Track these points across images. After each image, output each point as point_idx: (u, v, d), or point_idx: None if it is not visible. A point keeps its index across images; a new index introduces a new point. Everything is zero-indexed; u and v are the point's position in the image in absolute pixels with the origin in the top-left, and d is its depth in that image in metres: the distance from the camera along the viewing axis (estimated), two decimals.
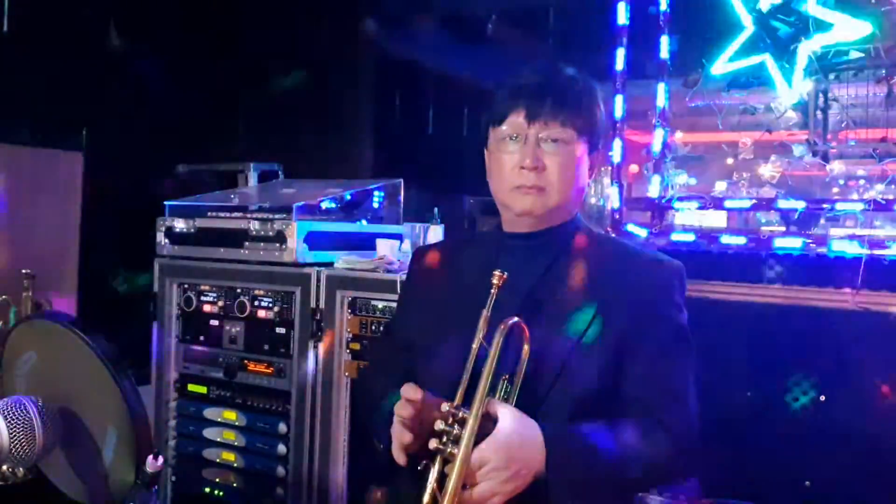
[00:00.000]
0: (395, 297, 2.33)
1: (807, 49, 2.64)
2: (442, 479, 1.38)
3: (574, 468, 1.40)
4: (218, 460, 2.92)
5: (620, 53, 2.91)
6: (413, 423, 1.43)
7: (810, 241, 2.53)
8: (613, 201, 2.93)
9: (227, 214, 2.96)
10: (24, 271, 3.03)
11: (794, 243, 2.53)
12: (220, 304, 2.95)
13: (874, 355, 2.25)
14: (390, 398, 1.49)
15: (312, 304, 2.72)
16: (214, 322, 2.96)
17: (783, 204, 2.68)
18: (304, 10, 4.32)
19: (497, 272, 1.48)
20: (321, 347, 2.70)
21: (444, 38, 4.27)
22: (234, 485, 2.88)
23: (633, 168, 3.16)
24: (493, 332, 1.44)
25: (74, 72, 3.70)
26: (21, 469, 1.55)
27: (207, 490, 2.94)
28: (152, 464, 1.41)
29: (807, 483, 2.29)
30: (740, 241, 2.61)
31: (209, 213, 3.00)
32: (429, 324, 1.65)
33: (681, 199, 2.86)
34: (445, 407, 1.39)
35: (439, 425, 1.38)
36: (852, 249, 2.39)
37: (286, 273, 2.79)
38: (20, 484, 1.59)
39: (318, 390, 2.71)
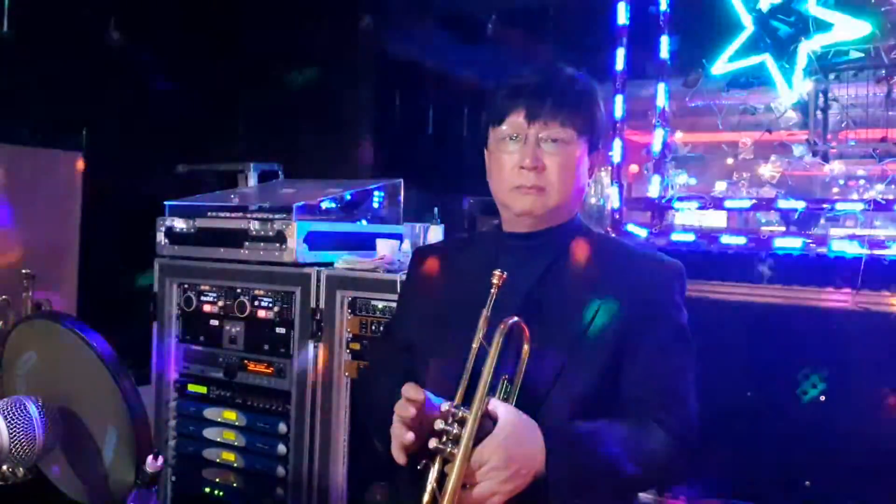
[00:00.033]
0: (395, 297, 2.33)
1: (807, 49, 2.64)
2: (441, 478, 1.38)
3: (574, 468, 1.40)
4: (218, 460, 2.92)
5: (620, 53, 2.91)
6: (414, 422, 1.43)
7: (810, 241, 2.53)
8: (613, 201, 2.93)
9: (227, 214, 2.96)
10: (24, 271, 3.03)
11: (794, 243, 2.53)
12: (220, 304, 2.95)
13: (874, 355, 2.25)
14: (390, 398, 1.49)
15: (312, 304, 2.72)
16: (214, 322, 2.96)
17: (783, 204, 2.68)
18: (304, 9, 4.32)
19: (497, 272, 1.48)
20: (321, 347, 2.70)
21: (444, 38, 4.27)
22: (234, 485, 2.88)
23: (633, 168, 3.16)
24: (492, 331, 1.44)
25: (74, 72, 3.70)
26: (21, 469, 1.55)
27: (207, 490, 2.94)
28: (152, 464, 1.41)
29: (807, 483, 2.29)
30: (740, 241, 2.61)
31: (209, 213, 3.00)
32: (429, 324, 1.65)
33: (681, 199, 2.86)
34: (445, 406, 1.39)
35: (439, 425, 1.38)
36: (852, 249, 2.39)
37: (286, 273, 2.79)
38: (20, 484, 1.59)
39: (318, 390, 2.71)
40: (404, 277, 1.92)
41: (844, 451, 2.24)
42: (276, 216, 2.80)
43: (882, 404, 2.23)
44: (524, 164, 1.55)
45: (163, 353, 3.05)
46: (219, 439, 2.92)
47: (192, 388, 3.01)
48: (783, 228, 2.75)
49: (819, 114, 2.74)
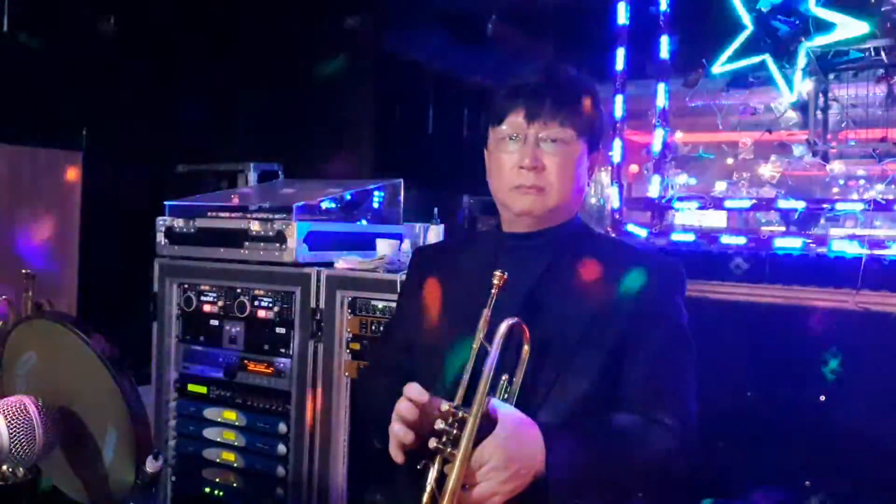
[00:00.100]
0: (395, 297, 2.33)
1: (806, 49, 2.64)
2: (441, 479, 1.38)
3: (574, 468, 1.40)
4: (218, 460, 2.92)
5: (620, 53, 2.92)
6: (414, 423, 1.43)
7: (810, 241, 2.54)
8: (613, 201, 2.93)
9: (227, 214, 2.96)
10: (24, 271, 3.03)
11: (794, 243, 2.53)
12: (220, 304, 2.95)
13: (874, 355, 2.25)
14: (390, 398, 1.49)
15: (312, 304, 2.72)
16: (214, 322, 2.96)
17: (783, 204, 2.68)
18: (303, 10, 4.32)
19: (498, 272, 1.47)
20: (321, 347, 2.70)
21: (444, 38, 4.27)
22: (234, 485, 2.88)
23: (633, 168, 3.17)
24: (493, 332, 1.44)
25: (74, 72, 3.70)
26: (21, 469, 1.55)
27: (207, 490, 2.94)
28: (152, 464, 1.41)
29: (807, 483, 2.29)
30: (740, 241, 2.61)
31: (209, 213, 3.00)
32: (429, 324, 1.65)
33: (681, 199, 2.86)
34: (445, 407, 1.39)
35: (439, 425, 1.38)
36: (852, 249, 2.39)
37: (286, 273, 2.79)
38: (20, 484, 1.59)
39: (318, 390, 2.71)
40: (404, 277, 1.92)
41: (845, 450, 2.24)
42: (276, 216, 2.80)
43: (882, 404, 2.23)
44: (524, 164, 1.55)
45: (163, 353, 3.05)
46: (219, 439, 2.92)
47: (192, 388, 3.01)
48: (783, 228, 2.75)
49: (819, 114, 2.75)
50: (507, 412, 1.40)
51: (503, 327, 1.43)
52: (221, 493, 2.91)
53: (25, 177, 3.58)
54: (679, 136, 3.06)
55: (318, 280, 2.71)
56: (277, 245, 2.77)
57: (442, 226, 3.05)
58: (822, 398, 2.30)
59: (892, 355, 2.22)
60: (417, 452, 1.43)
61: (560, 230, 1.63)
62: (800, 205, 2.63)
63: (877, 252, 2.35)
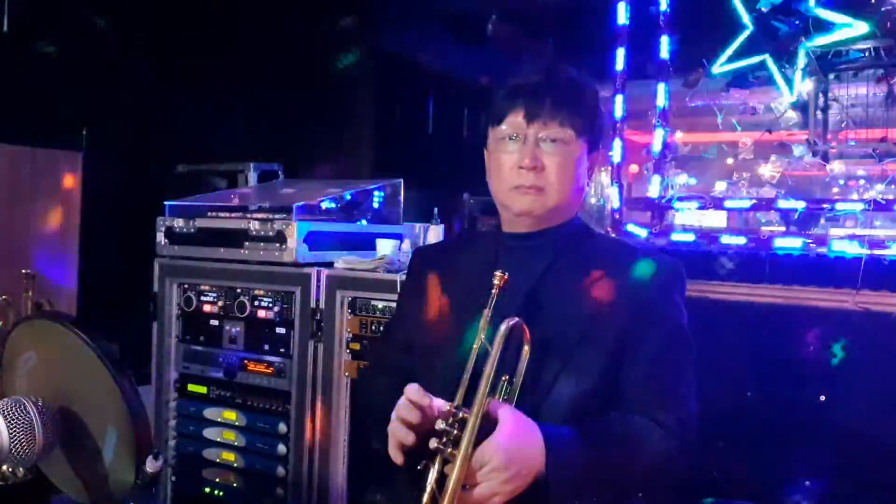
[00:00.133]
0: (395, 297, 2.33)
1: (806, 49, 2.64)
2: (441, 479, 1.38)
3: (574, 468, 1.40)
4: (218, 460, 2.92)
5: (620, 53, 2.92)
6: (414, 423, 1.43)
7: (810, 241, 2.54)
8: (613, 201, 2.93)
9: (227, 214, 2.96)
10: (24, 271, 3.03)
11: (794, 243, 2.53)
12: (220, 304, 2.95)
13: (874, 355, 2.25)
14: (390, 398, 1.49)
15: (312, 304, 2.72)
16: (214, 322, 2.96)
17: (783, 204, 2.68)
18: (303, 10, 4.32)
19: (498, 273, 1.47)
20: (321, 347, 2.70)
21: (444, 38, 4.27)
22: (234, 485, 2.88)
23: (633, 168, 3.17)
24: (494, 332, 1.44)
25: (74, 72, 3.70)
26: (21, 469, 1.55)
27: (207, 490, 2.94)
28: (152, 464, 1.41)
29: (807, 483, 2.29)
30: (740, 241, 2.61)
31: (209, 213, 3.00)
32: (429, 324, 1.65)
33: (681, 199, 2.86)
34: (446, 407, 1.39)
35: (439, 425, 1.38)
36: (852, 249, 2.39)
37: (286, 273, 2.79)
38: (20, 484, 1.59)
39: (318, 390, 2.71)
40: (404, 277, 1.92)
41: (845, 450, 2.24)
42: (276, 216, 2.80)
43: (882, 404, 2.23)
44: (523, 164, 1.55)
45: (163, 353, 3.05)
46: (219, 439, 2.92)
47: (192, 388, 3.01)
48: (783, 228, 2.75)
49: (819, 114, 2.74)
50: (507, 412, 1.40)
51: (504, 327, 1.43)
52: (221, 493, 2.91)
53: (25, 177, 3.58)
54: (679, 136, 3.06)
55: (318, 280, 2.71)
56: (277, 245, 2.77)
57: (442, 226, 3.05)
58: (822, 398, 2.30)
59: (892, 355, 2.22)
60: (417, 453, 1.43)
61: (560, 230, 1.63)
62: (800, 205, 2.63)
63: (877, 252, 2.35)
